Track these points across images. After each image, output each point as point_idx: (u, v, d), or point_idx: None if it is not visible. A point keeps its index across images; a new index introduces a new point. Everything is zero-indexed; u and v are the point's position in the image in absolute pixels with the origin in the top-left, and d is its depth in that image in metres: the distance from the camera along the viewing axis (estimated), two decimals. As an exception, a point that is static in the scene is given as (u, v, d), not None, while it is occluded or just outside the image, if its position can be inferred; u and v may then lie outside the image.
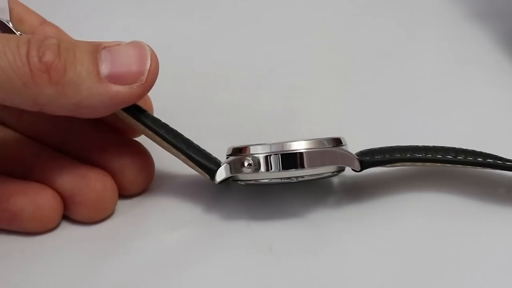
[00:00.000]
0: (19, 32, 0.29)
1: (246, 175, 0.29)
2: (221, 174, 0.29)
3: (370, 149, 0.30)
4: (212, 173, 0.29)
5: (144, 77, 0.27)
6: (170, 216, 0.31)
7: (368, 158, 0.30)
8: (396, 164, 0.30)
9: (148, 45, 0.28)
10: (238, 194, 0.32)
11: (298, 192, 0.32)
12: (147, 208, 0.31)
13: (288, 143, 0.29)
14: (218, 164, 0.30)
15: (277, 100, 0.38)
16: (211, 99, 0.39)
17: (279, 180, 0.30)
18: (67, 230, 0.30)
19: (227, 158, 0.30)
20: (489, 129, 0.35)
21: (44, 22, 0.33)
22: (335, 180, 0.32)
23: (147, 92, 0.28)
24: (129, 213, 0.31)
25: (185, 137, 0.30)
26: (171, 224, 0.30)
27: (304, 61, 0.41)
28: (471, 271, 0.27)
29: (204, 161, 0.30)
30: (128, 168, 0.30)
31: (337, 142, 0.30)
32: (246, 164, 0.28)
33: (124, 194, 0.31)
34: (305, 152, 0.29)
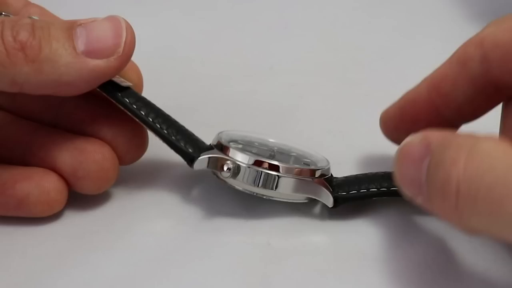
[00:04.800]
0: (3, 13, 0.29)
1: (223, 176, 0.29)
2: (200, 164, 0.29)
3: (346, 178, 0.30)
4: (189, 158, 0.29)
5: (120, 49, 0.28)
6: (168, 212, 0.31)
7: (344, 193, 0.30)
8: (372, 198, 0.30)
9: (123, 18, 0.28)
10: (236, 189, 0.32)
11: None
12: (145, 203, 0.31)
13: (267, 161, 0.29)
14: (201, 150, 0.29)
15: (276, 97, 0.39)
16: (211, 95, 0.39)
17: (252, 192, 0.30)
18: (66, 228, 0.30)
19: (211, 148, 0.30)
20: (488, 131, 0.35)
21: (28, 4, 0.33)
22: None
23: (125, 65, 0.29)
24: (127, 208, 0.31)
25: (170, 118, 0.30)
26: (169, 220, 0.31)
27: (304, 59, 0.41)
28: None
29: (182, 145, 0.29)
30: (120, 137, 0.30)
31: (315, 173, 0.30)
32: (225, 168, 0.29)
33: (120, 164, 0.31)
34: (281, 177, 0.29)
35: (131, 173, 0.33)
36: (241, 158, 0.29)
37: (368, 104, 0.36)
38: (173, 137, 0.29)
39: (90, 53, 0.27)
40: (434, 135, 0.26)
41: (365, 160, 0.34)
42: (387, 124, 0.32)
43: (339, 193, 0.30)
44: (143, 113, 0.29)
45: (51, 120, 0.31)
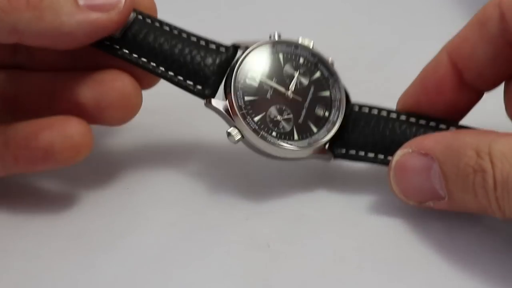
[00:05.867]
0: None
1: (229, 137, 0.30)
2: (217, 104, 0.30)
3: (361, 125, 0.31)
4: (200, 97, 0.30)
5: (121, 5, 0.28)
6: (168, 211, 0.31)
7: (343, 152, 0.31)
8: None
9: None
10: (237, 187, 0.32)
11: (298, 189, 0.32)
12: (144, 201, 0.31)
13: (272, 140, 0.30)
14: (207, 79, 0.30)
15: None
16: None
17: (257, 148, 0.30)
18: (66, 228, 0.30)
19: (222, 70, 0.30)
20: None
21: None
22: (336, 180, 0.32)
23: (126, 19, 0.29)
24: (127, 207, 0.31)
25: (173, 51, 0.30)
26: (169, 219, 0.31)
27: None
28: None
29: (188, 85, 0.30)
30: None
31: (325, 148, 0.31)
32: (229, 132, 0.30)
33: (142, 88, 0.31)
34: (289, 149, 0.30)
35: (130, 172, 0.33)
36: (248, 133, 0.30)
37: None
38: (176, 79, 0.30)
39: (91, 7, 0.28)
40: (429, 143, 0.28)
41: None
42: (407, 103, 0.31)
43: (338, 151, 0.31)
44: (142, 63, 0.30)
45: (69, 65, 0.31)
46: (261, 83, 0.30)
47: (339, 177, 0.33)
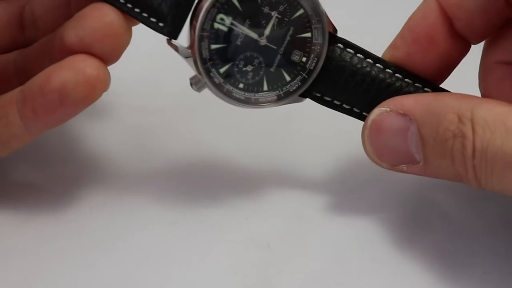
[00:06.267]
0: None
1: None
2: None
3: (342, 66, 0.29)
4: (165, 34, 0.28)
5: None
6: (167, 210, 0.31)
7: (318, 95, 0.29)
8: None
9: None
10: (237, 187, 0.32)
11: (298, 189, 0.32)
12: (144, 201, 0.31)
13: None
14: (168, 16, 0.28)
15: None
16: (211, 95, 0.39)
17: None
18: (66, 228, 0.30)
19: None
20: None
21: None
22: (336, 180, 0.32)
23: None
24: (126, 206, 0.31)
25: None
26: (169, 219, 0.31)
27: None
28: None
29: (150, 22, 0.28)
30: None
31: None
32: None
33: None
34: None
35: (130, 171, 0.33)
36: (211, 88, 0.28)
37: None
38: (141, 16, 0.28)
39: None
40: (408, 103, 0.27)
41: (365, 159, 0.34)
42: (395, 55, 0.29)
43: (313, 93, 0.29)
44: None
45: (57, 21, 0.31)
46: (231, 28, 0.27)
47: (339, 177, 0.33)
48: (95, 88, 0.28)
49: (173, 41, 0.28)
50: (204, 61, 0.27)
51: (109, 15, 0.28)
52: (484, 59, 0.30)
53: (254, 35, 0.28)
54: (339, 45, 0.29)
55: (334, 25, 0.29)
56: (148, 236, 0.30)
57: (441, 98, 0.27)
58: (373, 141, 0.28)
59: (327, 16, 0.28)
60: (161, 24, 0.28)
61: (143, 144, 0.35)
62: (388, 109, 0.27)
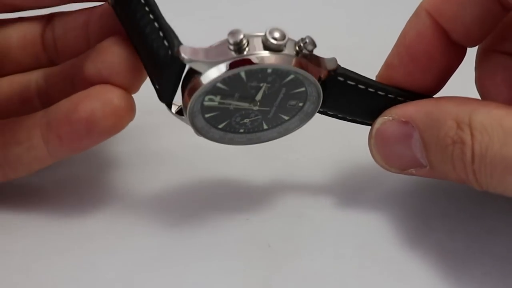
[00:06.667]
0: None
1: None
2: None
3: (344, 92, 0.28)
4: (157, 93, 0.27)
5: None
6: (168, 211, 0.31)
7: (321, 110, 0.29)
8: None
9: None
10: (237, 187, 0.32)
11: (298, 189, 0.32)
12: (145, 202, 0.31)
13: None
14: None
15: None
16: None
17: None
18: (66, 228, 0.30)
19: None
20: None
21: None
22: (336, 180, 0.32)
23: None
24: (126, 209, 0.31)
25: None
26: (169, 219, 0.31)
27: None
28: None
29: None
30: None
31: None
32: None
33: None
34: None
35: (130, 171, 0.33)
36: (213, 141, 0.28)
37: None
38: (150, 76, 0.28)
39: None
40: (409, 110, 0.27)
41: (365, 159, 0.34)
42: (394, 75, 0.29)
43: (320, 109, 0.29)
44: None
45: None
46: (221, 102, 0.27)
47: (339, 176, 0.33)
48: (123, 118, 0.28)
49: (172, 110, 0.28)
50: (200, 130, 0.28)
51: (128, 49, 0.28)
52: (479, 49, 0.30)
53: (245, 105, 0.27)
54: (340, 78, 0.28)
55: (338, 62, 0.28)
56: (149, 236, 0.30)
57: (440, 104, 0.27)
58: (379, 149, 0.29)
59: (327, 61, 0.28)
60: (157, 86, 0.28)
61: (143, 145, 0.35)
62: (390, 118, 0.28)
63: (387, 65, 0.30)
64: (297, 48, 0.26)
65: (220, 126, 0.28)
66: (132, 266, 0.28)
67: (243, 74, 0.26)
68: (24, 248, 0.29)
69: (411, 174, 0.28)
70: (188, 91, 0.26)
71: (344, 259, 0.29)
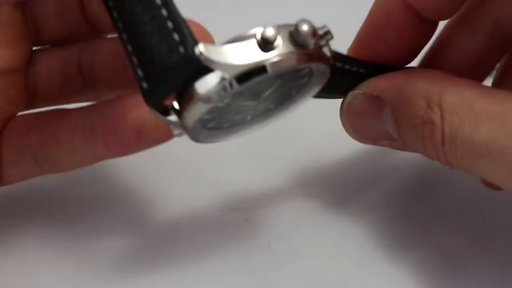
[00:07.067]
0: None
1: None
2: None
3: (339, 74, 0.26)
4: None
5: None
6: (168, 211, 0.31)
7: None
8: None
9: None
10: (237, 187, 0.32)
11: (298, 189, 0.32)
12: (144, 203, 0.31)
13: None
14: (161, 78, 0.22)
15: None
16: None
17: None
18: (66, 228, 0.30)
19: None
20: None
21: None
22: (336, 180, 0.32)
23: None
24: (126, 209, 0.31)
25: (138, 30, 0.22)
26: (169, 219, 0.31)
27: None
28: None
29: (139, 82, 0.22)
30: None
31: None
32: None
33: None
34: None
35: (131, 171, 0.33)
36: None
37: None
38: (135, 67, 0.22)
39: None
40: (380, 85, 0.26)
41: (365, 159, 0.34)
42: (364, 55, 0.28)
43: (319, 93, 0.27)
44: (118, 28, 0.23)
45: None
46: (228, 103, 0.24)
47: (339, 176, 0.33)
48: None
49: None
50: (190, 130, 0.24)
51: None
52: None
53: (251, 103, 0.25)
54: (338, 64, 0.26)
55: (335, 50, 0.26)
56: (149, 237, 0.30)
57: (411, 80, 0.26)
58: (351, 123, 0.28)
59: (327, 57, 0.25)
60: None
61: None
62: (361, 92, 0.27)
63: (357, 45, 0.29)
64: (319, 42, 0.23)
65: (210, 126, 0.25)
66: (131, 266, 0.28)
67: (272, 75, 0.22)
68: (24, 248, 0.29)
69: (385, 145, 0.28)
70: (200, 95, 0.22)
71: (344, 259, 0.29)
